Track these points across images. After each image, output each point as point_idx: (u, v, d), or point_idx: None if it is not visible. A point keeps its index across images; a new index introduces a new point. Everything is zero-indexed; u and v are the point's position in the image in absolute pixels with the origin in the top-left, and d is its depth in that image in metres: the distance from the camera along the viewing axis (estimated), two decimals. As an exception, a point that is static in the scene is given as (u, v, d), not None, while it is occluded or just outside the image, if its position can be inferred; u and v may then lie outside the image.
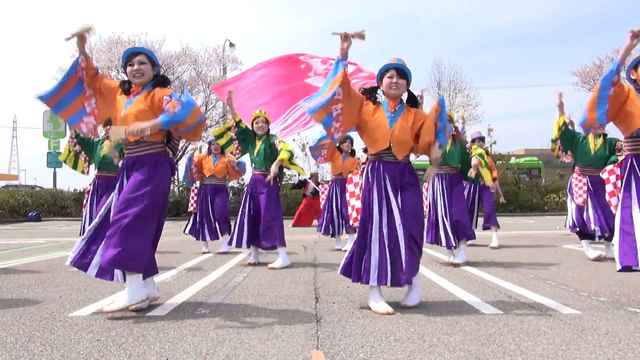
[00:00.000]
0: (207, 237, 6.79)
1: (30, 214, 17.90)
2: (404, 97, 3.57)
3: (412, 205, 3.36)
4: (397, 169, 3.41)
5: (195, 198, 6.97)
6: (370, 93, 3.52)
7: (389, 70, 3.45)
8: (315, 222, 12.63)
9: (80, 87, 3.41)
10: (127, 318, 3.06)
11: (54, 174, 22.49)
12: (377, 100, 3.52)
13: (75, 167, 5.67)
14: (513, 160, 24.02)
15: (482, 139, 7.49)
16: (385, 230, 3.28)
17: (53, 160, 22.19)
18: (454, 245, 5.26)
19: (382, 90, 3.52)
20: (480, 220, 7.75)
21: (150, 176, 3.21)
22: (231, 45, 21.96)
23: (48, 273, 4.98)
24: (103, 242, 3.14)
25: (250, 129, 5.58)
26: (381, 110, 3.45)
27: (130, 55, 3.35)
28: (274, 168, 5.34)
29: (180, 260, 5.88)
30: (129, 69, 3.33)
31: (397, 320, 2.96)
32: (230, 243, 5.59)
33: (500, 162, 21.56)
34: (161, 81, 3.41)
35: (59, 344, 2.54)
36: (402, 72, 3.45)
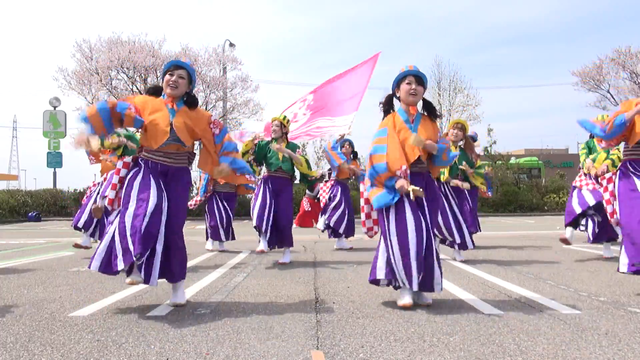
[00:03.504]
0: (223, 238, 7.09)
1: (30, 214, 17.88)
2: (420, 106, 3.51)
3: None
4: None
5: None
6: (388, 105, 3.52)
7: (406, 77, 3.40)
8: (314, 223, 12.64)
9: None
10: (127, 318, 3.06)
11: (54, 174, 22.46)
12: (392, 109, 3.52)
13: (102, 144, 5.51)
14: (513, 160, 24.02)
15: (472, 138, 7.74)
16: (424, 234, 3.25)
17: (53, 160, 22.17)
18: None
19: (399, 97, 3.48)
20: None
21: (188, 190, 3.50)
22: (231, 45, 21.94)
23: (48, 273, 4.98)
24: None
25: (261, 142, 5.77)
26: (401, 124, 3.40)
27: (172, 67, 3.40)
28: (291, 152, 5.61)
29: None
30: (167, 77, 3.37)
31: (397, 320, 2.96)
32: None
33: (500, 162, 21.53)
34: (190, 101, 3.46)
35: (59, 344, 2.54)
36: (420, 79, 3.41)
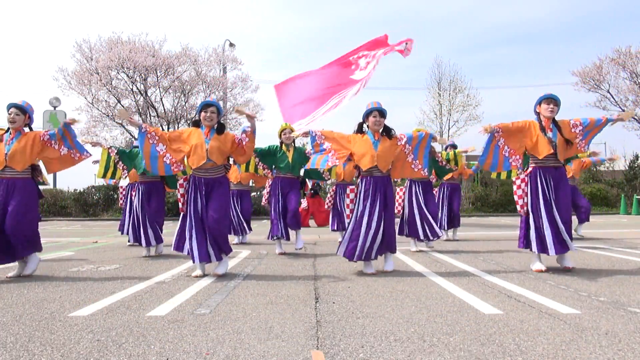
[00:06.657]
0: (236, 233, 8.04)
1: (30, 214, 17.86)
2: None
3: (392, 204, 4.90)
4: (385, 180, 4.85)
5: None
6: (360, 129, 4.91)
7: (373, 112, 4.77)
8: (311, 222, 13.26)
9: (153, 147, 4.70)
10: (127, 318, 3.06)
11: (54, 173, 22.47)
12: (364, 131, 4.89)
13: (114, 176, 6.57)
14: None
15: (453, 145, 8.40)
16: (374, 219, 4.71)
17: (53, 160, 22.13)
18: (430, 238, 6.49)
19: (368, 125, 4.84)
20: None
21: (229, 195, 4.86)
22: (231, 45, 21.94)
23: (48, 273, 4.98)
24: (208, 238, 4.60)
25: (270, 144, 6.42)
26: (368, 141, 4.77)
27: (205, 105, 4.70)
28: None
29: (181, 260, 5.88)
30: (203, 114, 4.66)
31: (397, 320, 2.96)
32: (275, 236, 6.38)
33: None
34: (220, 127, 4.73)
35: (59, 344, 2.54)
36: (382, 113, 4.76)
